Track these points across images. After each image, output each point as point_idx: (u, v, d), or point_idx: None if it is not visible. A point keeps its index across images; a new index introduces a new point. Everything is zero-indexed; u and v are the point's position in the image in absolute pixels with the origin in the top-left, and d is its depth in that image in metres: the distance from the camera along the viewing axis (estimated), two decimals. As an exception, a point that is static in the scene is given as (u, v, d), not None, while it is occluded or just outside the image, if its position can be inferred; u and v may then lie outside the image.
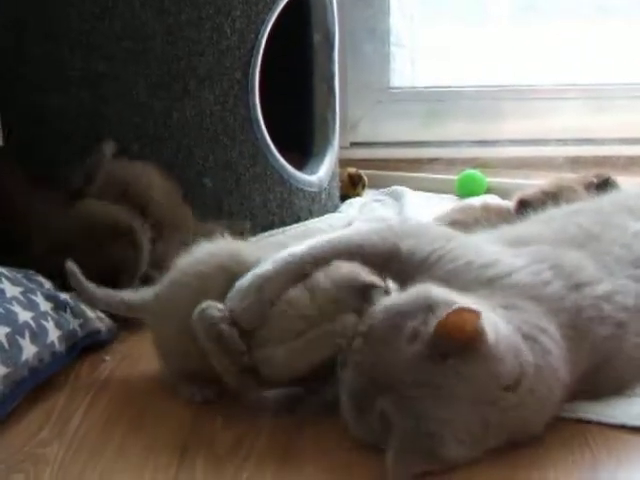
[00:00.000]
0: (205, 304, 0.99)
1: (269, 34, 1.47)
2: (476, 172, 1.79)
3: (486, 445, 0.89)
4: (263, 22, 1.45)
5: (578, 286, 0.98)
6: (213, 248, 1.07)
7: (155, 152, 1.42)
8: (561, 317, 0.95)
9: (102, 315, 1.21)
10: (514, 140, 1.93)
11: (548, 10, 1.98)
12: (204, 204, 1.45)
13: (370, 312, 0.94)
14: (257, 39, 1.45)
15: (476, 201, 1.54)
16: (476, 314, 0.86)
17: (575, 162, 1.82)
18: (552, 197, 1.34)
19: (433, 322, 0.87)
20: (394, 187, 1.78)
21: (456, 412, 0.87)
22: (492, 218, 1.37)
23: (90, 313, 1.18)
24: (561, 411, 0.96)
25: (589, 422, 0.97)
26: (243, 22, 1.44)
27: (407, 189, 1.77)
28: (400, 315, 0.90)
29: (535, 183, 1.50)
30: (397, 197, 1.74)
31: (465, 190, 1.76)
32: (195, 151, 1.45)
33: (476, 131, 1.94)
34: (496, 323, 0.90)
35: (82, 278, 1.14)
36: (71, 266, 1.14)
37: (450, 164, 1.88)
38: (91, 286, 1.14)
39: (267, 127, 1.50)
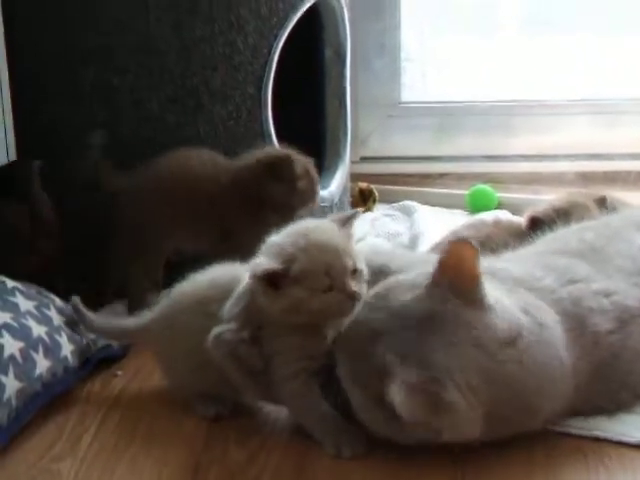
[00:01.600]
0: (219, 329, 0.99)
1: (282, 49, 1.47)
2: (487, 187, 1.79)
3: (487, 404, 0.88)
4: (276, 38, 1.46)
5: (571, 281, 1.02)
6: (216, 273, 1.07)
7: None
8: (557, 307, 0.98)
9: (115, 330, 1.21)
10: (524, 155, 1.93)
11: (558, 25, 1.99)
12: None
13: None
14: (270, 54, 1.46)
15: (487, 217, 1.54)
16: (475, 249, 0.91)
17: (585, 177, 1.82)
18: (563, 214, 1.34)
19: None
20: (405, 202, 1.78)
21: (456, 357, 0.88)
22: (503, 234, 1.36)
23: (103, 328, 1.18)
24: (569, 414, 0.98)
25: (605, 441, 0.96)
26: (256, 38, 1.44)
27: (418, 204, 1.77)
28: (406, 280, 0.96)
29: (545, 198, 1.50)
30: (408, 212, 1.74)
31: (476, 205, 1.76)
32: (208, 166, 1.45)
33: (486, 146, 1.94)
34: (493, 289, 0.94)
35: (84, 310, 1.15)
36: (75, 299, 1.16)
37: (460, 179, 1.88)
38: (91, 316, 1.15)
39: (279, 141, 1.50)
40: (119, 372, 1.17)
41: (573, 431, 0.97)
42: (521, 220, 1.41)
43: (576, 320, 0.98)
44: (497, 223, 1.43)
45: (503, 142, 1.94)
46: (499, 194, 1.77)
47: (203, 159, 1.33)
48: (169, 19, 1.38)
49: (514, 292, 0.98)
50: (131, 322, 1.13)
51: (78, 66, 1.40)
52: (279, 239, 0.98)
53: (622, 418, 0.98)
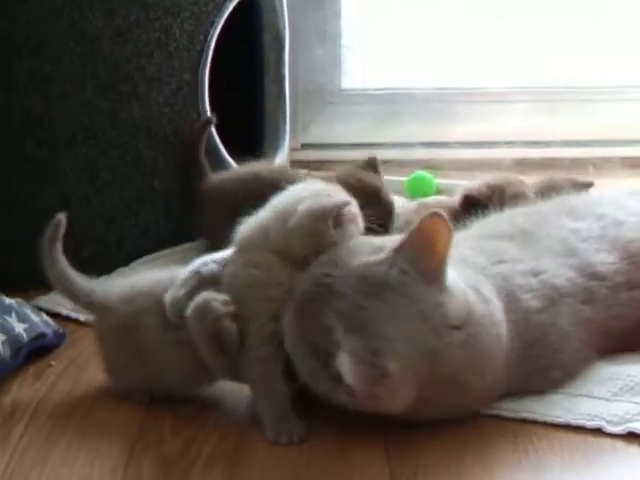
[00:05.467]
0: (208, 296, 0.95)
1: (219, 35, 1.46)
2: (425, 173, 1.80)
3: (423, 381, 0.88)
4: (212, 24, 1.45)
5: (499, 261, 1.03)
6: (164, 274, 1.04)
7: (103, 154, 1.41)
8: (490, 282, 0.99)
9: (48, 319, 1.19)
10: (464, 142, 1.95)
11: (498, 12, 2.01)
12: (153, 206, 1.45)
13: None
14: (206, 40, 1.45)
15: (430, 200, 1.55)
16: (450, 227, 0.90)
17: (521, 164, 1.84)
18: (497, 190, 1.33)
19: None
20: (345, 188, 1.79)
21: (400, 329, 0.88)
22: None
23: (35, 317, 1.16)
24: (502, 403, 0.99)
25: (534, 422, 0.98)
26: (192, 23, 1.43)
27: (358, 190, 1.77)
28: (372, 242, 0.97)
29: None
30: (348, 198, 1.75)
31: (415, 191, 1.77)
32: (144, 153, 1.43)
33: (426, 133, 1.96)
34: (451, 269, 0.93)
35: (60, 235, 1.04)
36: (61, 217, 1.04)
37: (401, 166, 1.89)
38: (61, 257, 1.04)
39: (216, 129, 1.49)
40: (53, 362, 1.15)
41: (503, 413, 0.98)
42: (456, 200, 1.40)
43: (508, 296, 0.99)
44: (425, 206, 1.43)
45: (443, 129, 1.96)
46: (438, 180, 1.79)
47: None
48: (102, 4, 1.36)
49: (459, 270, 0.97)
50: (95, 289, 1.05)
51: (11, 54, 1.37)
52: (315, 186, 1.01)
53: (550, 399, 1.00)
